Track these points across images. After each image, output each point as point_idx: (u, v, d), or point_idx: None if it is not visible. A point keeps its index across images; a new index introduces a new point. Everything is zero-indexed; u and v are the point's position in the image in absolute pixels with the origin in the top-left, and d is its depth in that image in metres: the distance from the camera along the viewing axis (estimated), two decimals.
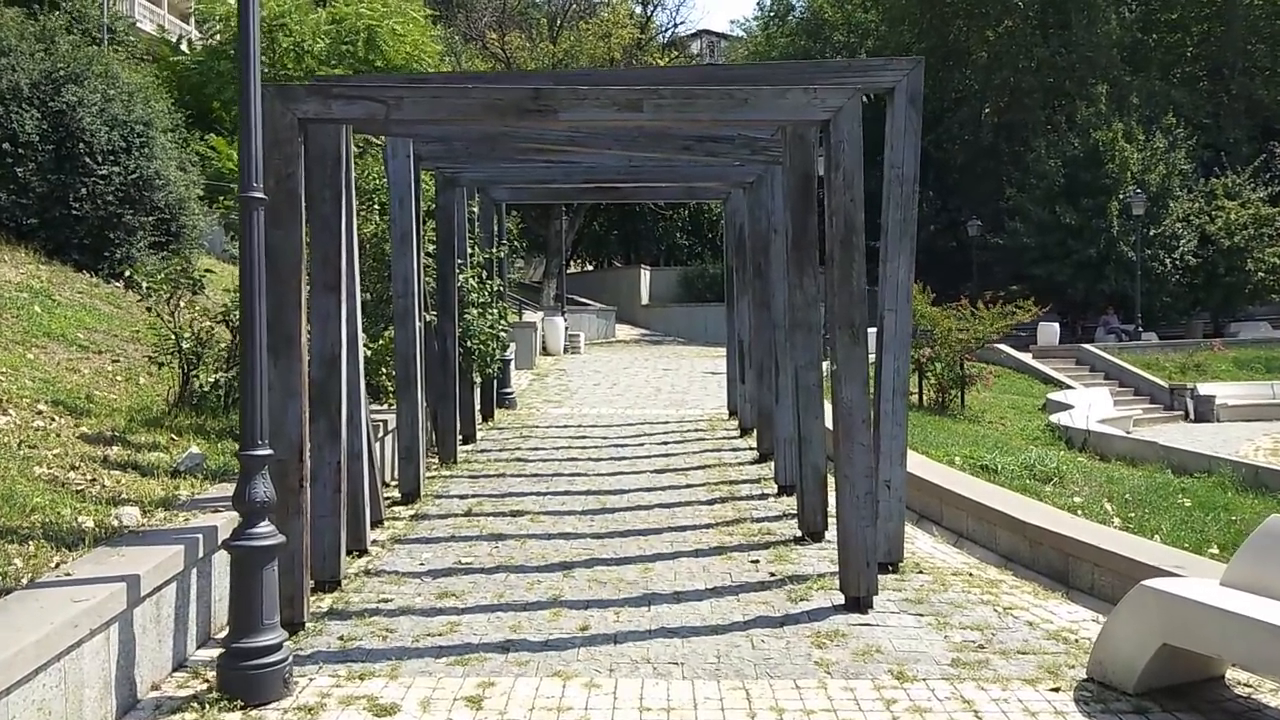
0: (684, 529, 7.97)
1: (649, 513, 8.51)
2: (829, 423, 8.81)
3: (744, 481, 9.79)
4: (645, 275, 37.88)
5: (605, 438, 12.48)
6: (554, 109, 5.92)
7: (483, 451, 11.48)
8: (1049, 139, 35.64)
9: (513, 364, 18.72)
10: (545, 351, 25.17)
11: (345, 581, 6.57)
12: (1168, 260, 32.74)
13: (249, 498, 4.96)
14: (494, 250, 12.99)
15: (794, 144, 7.59)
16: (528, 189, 13.12)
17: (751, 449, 11.45)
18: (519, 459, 10.98)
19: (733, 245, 13.01)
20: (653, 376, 20.08)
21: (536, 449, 11.65)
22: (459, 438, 11.94)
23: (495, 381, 14.33)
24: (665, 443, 12.09)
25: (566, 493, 9.30)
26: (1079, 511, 8.48)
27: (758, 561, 7.04)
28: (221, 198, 13.47)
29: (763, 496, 9.15)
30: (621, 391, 17.50)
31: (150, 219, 13.10)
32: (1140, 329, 30.21)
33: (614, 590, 6.37)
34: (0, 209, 12.47)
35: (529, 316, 23.55)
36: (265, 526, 5.00)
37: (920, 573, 6.82)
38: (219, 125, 18.29)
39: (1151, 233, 32.17)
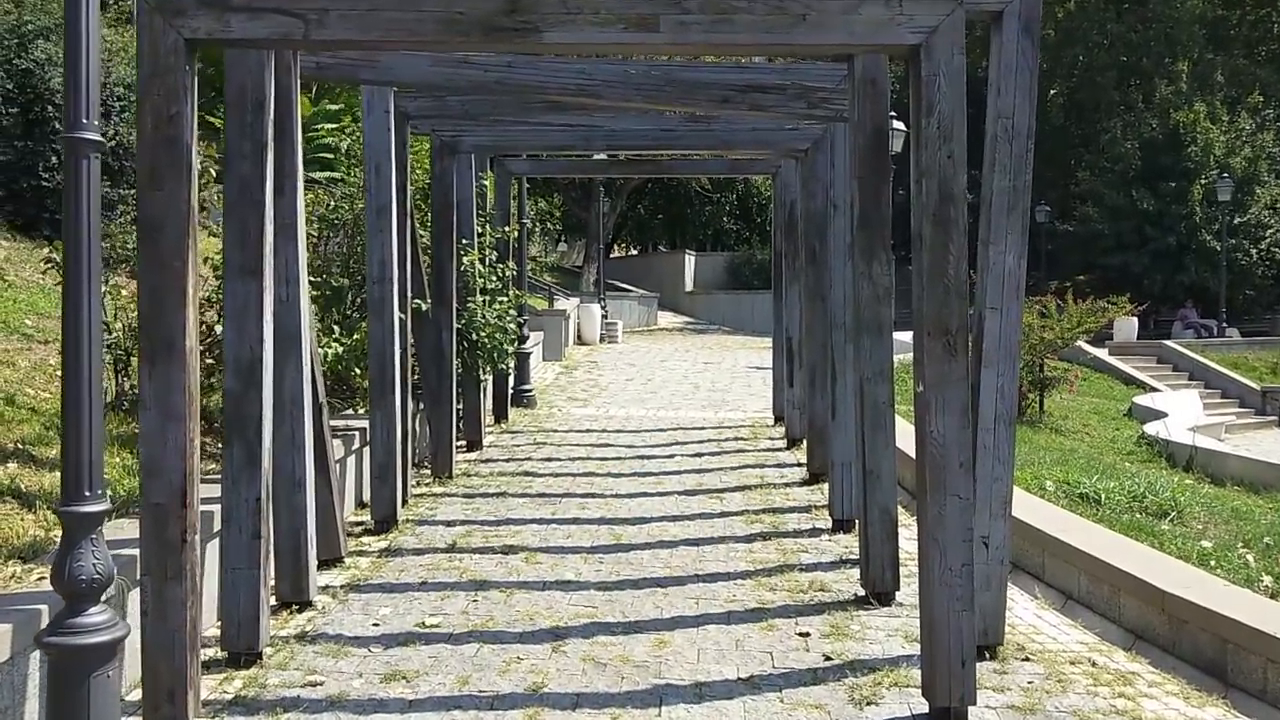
0: (714, 578, 6.33)
1: (672, 553, 6.87)
2: (900, 442, 7.15)
3: (791, 510, 8.10)
4: (690, 261, 36.14)
5: (631, 446, 10.85)
6: (535, 27, 4.28)
7: (487, 462, 9.91)
8: (1124, 119, 33.26)
9: (535, 356, 17.17)
10: (580, 340, 23.61)
11: (269, 653, 5.04)
12: (1253, 251, 30.30)
13: (70, 574, 3.43)
14: (507, 229, 11.39)
15: (864, 91, 5.87)
16: (547, 160, 11.49)
17: (800, 465, 9.74)
18: (526, 473, 9.39)
19: (782, 227, 11.28)
20: (692, 371, 18.39)
21: (550, 459, 10.06)
22: (460, 446, 10.40)
23: (511, 378, 12.77)
24: (699, 454, 10.43)
25: (575, 520, 7.69)
26: (1212, 562, 6.68)
27: (808, 635, 5.37)
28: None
29: (814, 532, 7.45)
30: (656, 388, 15.85)
31: (134, 192, 11.69)
32: (1224, 325, 27.84)
33: (615, 678, 4.76)
34: None
35: (563, 303, 21.98)
36: (97, 614, 3.47)
37: (1026, 659, 5.10)
38: None
39: (1236, 221, 29.72)
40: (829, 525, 7.55)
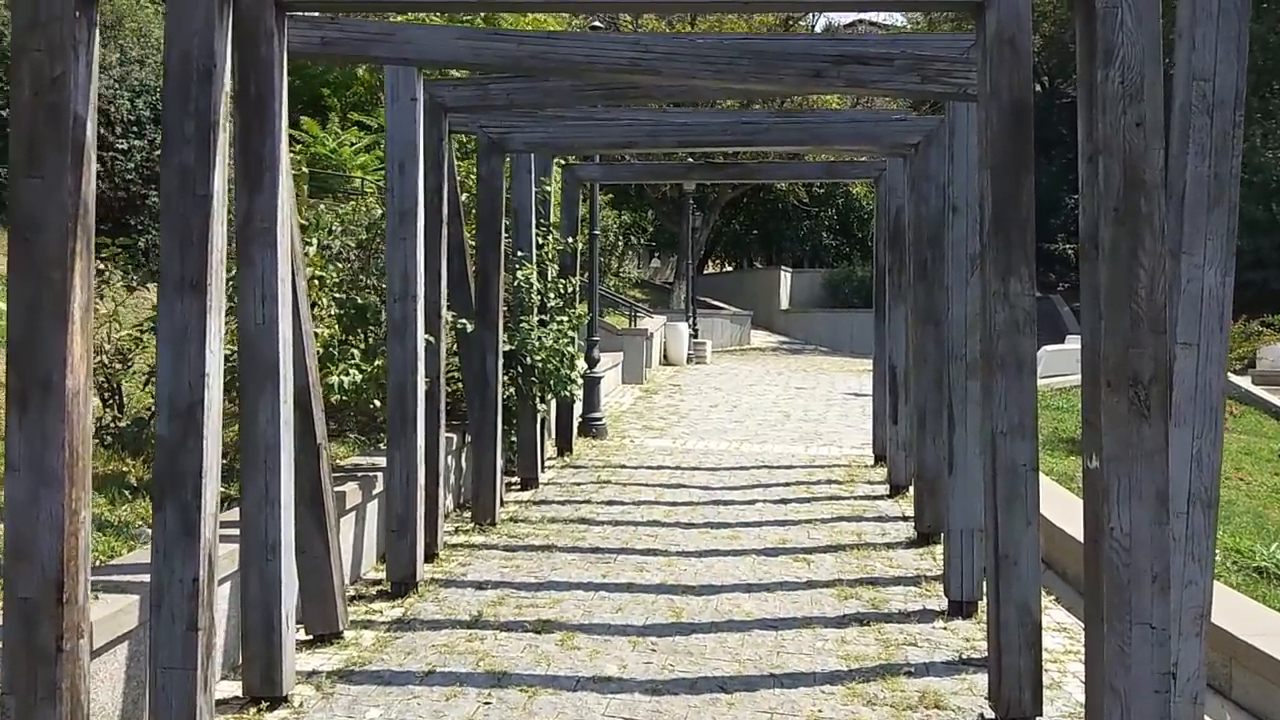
0: (795, 681, 4.95)
1: (744, 639, 5.51)
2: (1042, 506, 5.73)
3: (894, 583, 6.64)
4: (786, 278, 34.57)
5: (706, 488, 9.50)
6: None
7: (540, 504, 8.70)
8: (1265, 127, 30.39)
9: (614, 378, 15.97)
10: (666, 361, 22.36)
11: None
12: None
13: None
14: (571, 241, 10.20)
15: (1000, 54, 4.45)
16: (620, 165, 10.27)
17: (905, 520, 8.24)
18: (582, 520, 8.13)
19: (886, 237, 9.79)
20: (783, 397, 16.90)
21: (611, 503, 8.78)
22: (513, 483, 9.23)
23: (578, 405, 11.58)
24: (785, 500, 9.01)
25: (629, 587, 6.40)
26: None
27: None
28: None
29: (924, 616, 5.98)
30: (742, 417, 14.43)
31: None
32: None
33: None
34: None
35: (647, 322, 20.75)
36: None
37: None
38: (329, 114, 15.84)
39: None
40: (943, 607, 6.07)
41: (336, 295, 6.93)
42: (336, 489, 6.23)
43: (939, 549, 7.24)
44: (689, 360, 22.79)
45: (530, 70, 5.92)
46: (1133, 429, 3.03)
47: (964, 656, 5.33)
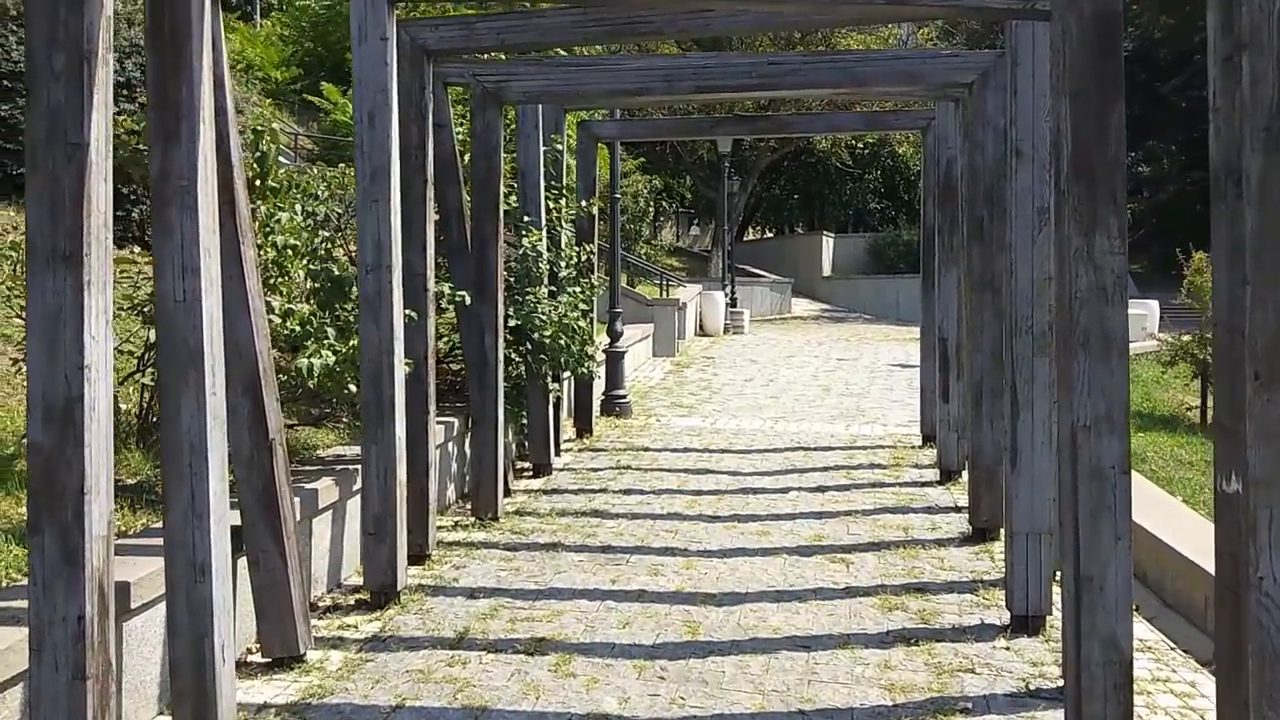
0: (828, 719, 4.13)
1: (769, 662, 4.70)
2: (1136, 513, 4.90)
3: (946, 589, 5.77)
4: (828, 243, 33.37)
5: (735, 473, 8.66)
6: None
7: (551, 494, 7.92)
8: None
9: (643, 351, 15.15)
10: (702, 331, 21.48)
11: None
12: None
13: None
14: (586, 205, 9.33)
15: None
16: (642, 121, 9.36)
17: (958, 512, 7.35)
18: (595, 512, 7.35)
19: (935, 193, 8.81)
20: (823, 369, 15.96)
21: (629, 491, 7.98)
22: (524, 469, 8.48)
23: (600, 382, 10.78)
24: (822, 488, 8.14)
25: (640, 595, 5.60)
26: None
27: None
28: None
29: (981, 634, 5.11)
30: (778, 392, 13.53)
31: None
32: None
33: None
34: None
35: (680, 291, 19.85)
36: None
37: None
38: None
39: None
40: (1005, 621, 5.20)
41: (311, 266, 6.17)
42: (310, 485, 5.52)
43: (998, 547, 6.37)
44: (726, 330, 21.88)
45: None
46: None
47: (1031, 687, 4.47)
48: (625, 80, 6.95)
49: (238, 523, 4.65)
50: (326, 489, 5.63)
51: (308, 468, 5.96)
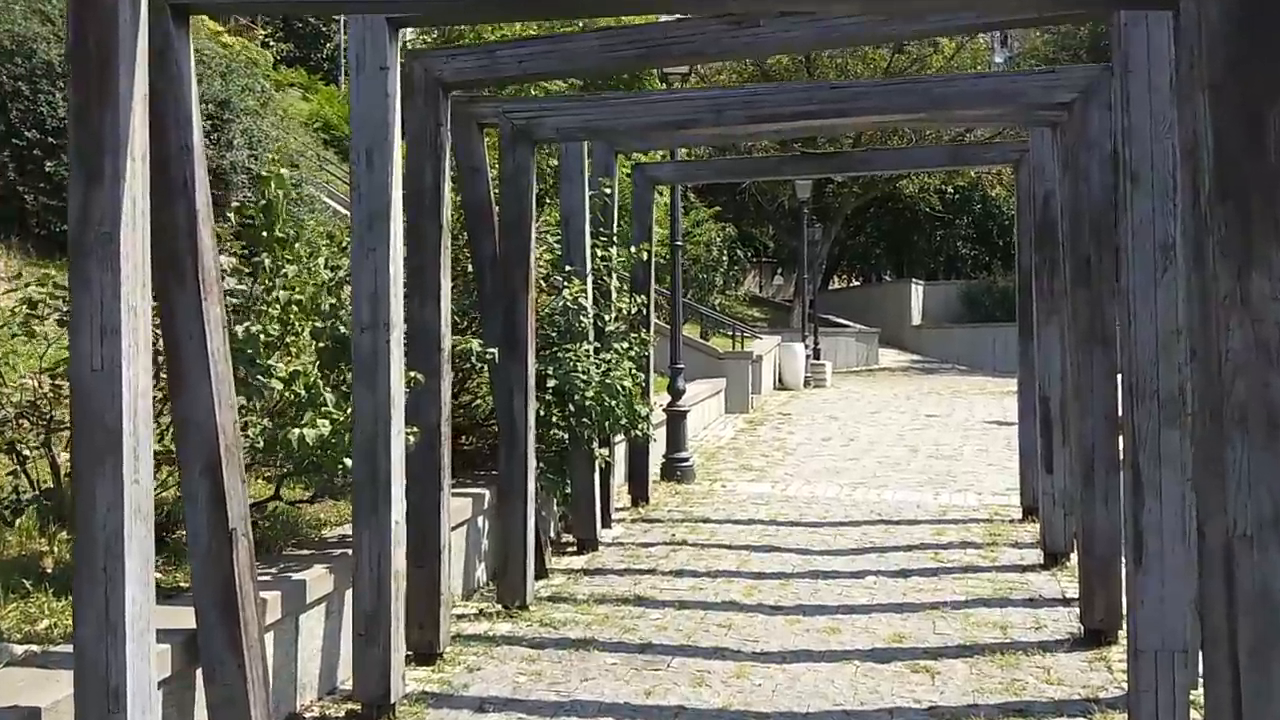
0: None
1: None
2: None
3: (1054, 712, 4.69)
4: (917, 291, 32.09)
5: (805, 551, 7.66)
6: None
7: (593, 575, 7.05)
8: None
9: (713, 408, 14.26)
10: (781, 385, 20.50)
11: None
12: None
13: None
14: (637, 250, 8.57)
15: None
16: (701, 164, 8.58)
17: (1065, 604, 6.24)
18: (639, 599, 6.43)
19: (1031, 233, 7.79)
20: (910, 426, 14.79)
21: (680, 574, 7.05)
22: (568, 545, 7.67)
23: (660, 443, 9.93)
24: (904, 572, 7.08)
25: (678, 715, 4.68)
26: None
27: None
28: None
29: None
30: (859, 453, 12.45)
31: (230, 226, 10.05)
32: None
33: None
34: (31, 212, 9.84)
35: (757, 344, 18.92)
36: None
37: None
38: None
39: None
40: None
41: (316, 323, 5.53)
42: (300, 574, 4.80)
43: (1116, 654, 5.28)
44: (806, 384, 20.84)
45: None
46: None
47: None
48: (668, 112, 6.20)
49: (190, 626, 3.96)
50: (319, 579, 4.90)
51: (303, 551, 5.25)
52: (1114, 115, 4.28)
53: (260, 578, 4.72)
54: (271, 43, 21.61)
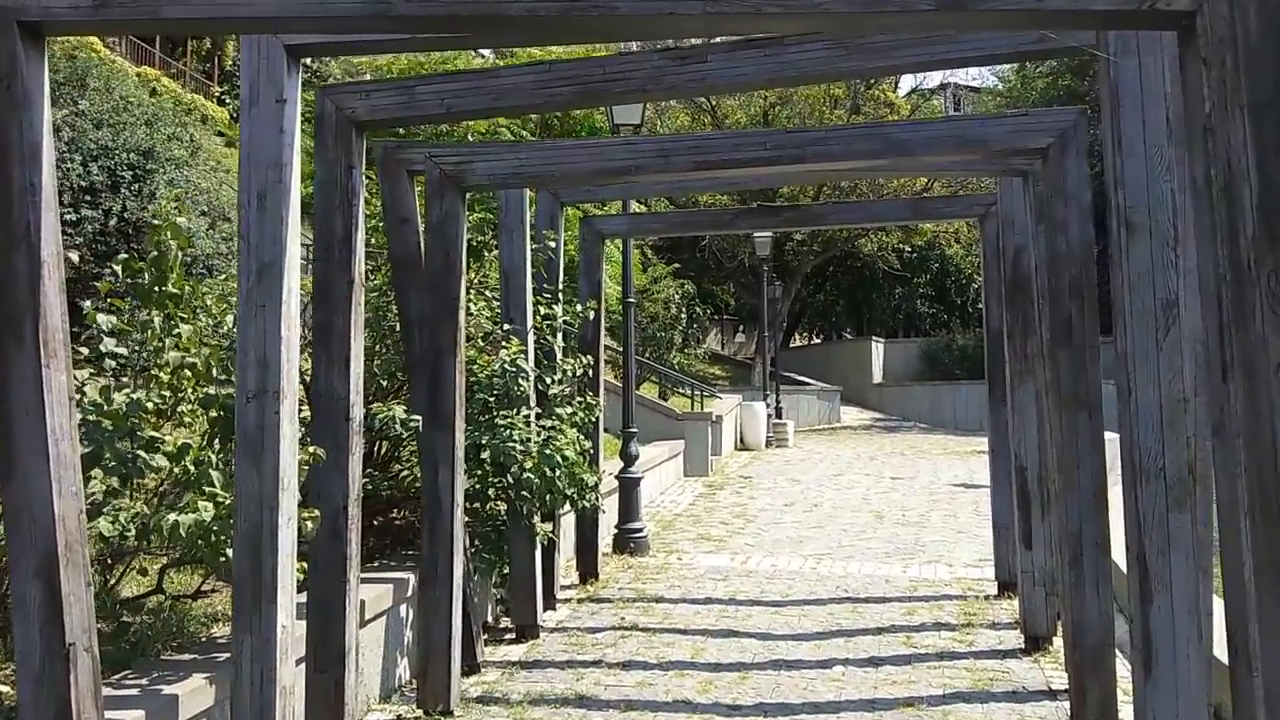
0: None
1: None
2: None
3: None
4: (878, 349, 31.85)
5: (767, 635, 7.00)
6: None
7: (530, 668, 6.32)
8: None
9: (663, 475, 13.63)
10: (743, 444, 19.93)
11: None
12: None
13: None
14: (583, 309, 7.98)
15: None
16: (651, 216, 8.07)
17: (1052, 696, 5.63)
18: (580, 699, 5.71)
19: (999, 291, 7.34)
20: (875, 490, 14.25)
21: (627, 667, 6.34)
22: (501, 635, 6.96)
23: (611, 514, 9.26)
24: (875, 660, 6.44)
25: None
26: None
27: None
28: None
29: None
30: (823, 520, 11.85)
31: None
32: None
33: None
34: None
35: (716, 404, 18.37)
36: None
37: None
38: None
39: None
40: None
41: (209, 390, 4.86)
42: (172, 687, 4.07)
43: None
44: (768, 444, 20.29)
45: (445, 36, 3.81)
46: None
47: None
48: (610, 157, 5.69)
49: None
50: (195, 692, 4.16)
51: (184, 656, 4.52)
52: (1105, 156, 3.79)
53: (123, 692, 4.02)
54: (228, 100, 21.05)
